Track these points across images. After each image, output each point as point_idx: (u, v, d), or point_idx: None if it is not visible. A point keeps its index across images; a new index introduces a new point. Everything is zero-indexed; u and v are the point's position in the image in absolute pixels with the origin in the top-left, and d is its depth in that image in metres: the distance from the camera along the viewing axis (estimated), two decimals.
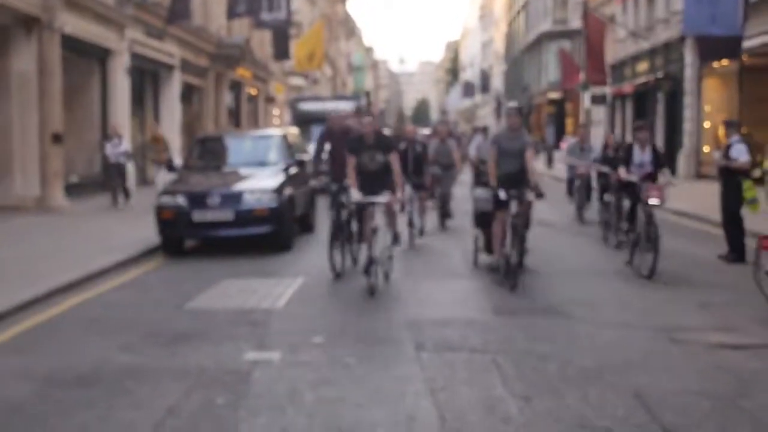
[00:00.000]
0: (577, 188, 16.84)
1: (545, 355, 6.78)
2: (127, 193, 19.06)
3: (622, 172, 11.06)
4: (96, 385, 6.12)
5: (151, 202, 17.02)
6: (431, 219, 15.45)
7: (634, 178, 10.84)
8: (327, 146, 12.48)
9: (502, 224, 9.83)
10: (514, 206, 9.64)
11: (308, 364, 6.58)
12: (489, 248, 10.72)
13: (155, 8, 25.06)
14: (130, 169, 19.62)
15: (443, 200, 15.59)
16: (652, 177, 10.92)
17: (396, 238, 10.49)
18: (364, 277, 9.46)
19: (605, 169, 14.19)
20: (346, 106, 27.40)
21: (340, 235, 10.60)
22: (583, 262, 11.84)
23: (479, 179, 19.71)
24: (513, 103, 10.44)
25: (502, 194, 9.62)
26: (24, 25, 18.13)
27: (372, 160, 9.80)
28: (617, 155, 13.65)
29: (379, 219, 10.11)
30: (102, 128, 21.92)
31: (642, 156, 11.09)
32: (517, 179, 9.94)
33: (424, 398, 5.74)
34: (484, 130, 22.34)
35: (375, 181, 9.75)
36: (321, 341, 7.32)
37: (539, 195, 9.71)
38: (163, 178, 17.78)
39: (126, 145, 19.09)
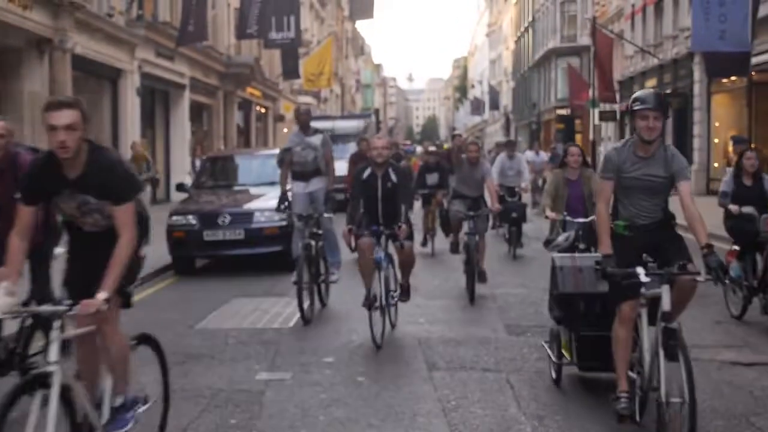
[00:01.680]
0: None
1: None
2: None
3: None
4: None
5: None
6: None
7: None
8: None
9: (631, 323, 5.36)
10: (665, 295, 5.03)
11: (320, 384, 6.59)
12: (587, 362, 6.24)
13: (165, 28, 25.24)
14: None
15: (472, 256, 10.17)
16: None
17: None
18: None
19: (750, 209, 8.77)
20: (355, 125, 27.51)
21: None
22: None
23: (505, 216, 13.96)
24: (646, 92, 5.46)
25: (643, 274, 5.05)
26: (36, 46, 18.27)
27: (82, 211, 4.58)
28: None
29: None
30: (113, 148, 22.00)
31: None
32: (658, 237, 5.47)
33: (437, 418, 5.74)
34: (509, 145, 16.68)
35: (98, 257, 4.46)
36: (332, 360, 7.33)
37: (721, 272, 5.01)
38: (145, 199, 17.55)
39: None
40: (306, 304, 8.99)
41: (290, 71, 35.22)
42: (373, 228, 8.16)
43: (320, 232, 9.91)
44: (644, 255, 5.45)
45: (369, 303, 7.87)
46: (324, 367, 7.10)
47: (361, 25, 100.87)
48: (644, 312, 5.24)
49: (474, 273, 10.10)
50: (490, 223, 12.15)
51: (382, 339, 7.82)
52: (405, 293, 8.76)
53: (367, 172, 8.39)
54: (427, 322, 8.98)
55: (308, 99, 48.86)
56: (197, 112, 31.19)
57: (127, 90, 23.33)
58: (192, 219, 12.55)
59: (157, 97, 26.98)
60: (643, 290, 5.14)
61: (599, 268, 5.22)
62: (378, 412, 5.89)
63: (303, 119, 10.67)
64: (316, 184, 10.57)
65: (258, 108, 39.99)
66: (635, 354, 5.42)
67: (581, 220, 8.87)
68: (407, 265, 8.65)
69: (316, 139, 10.53)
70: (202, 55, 29.23)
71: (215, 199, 13.43)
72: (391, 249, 8.44)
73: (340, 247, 10.10)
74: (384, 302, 8.05)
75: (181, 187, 14.32)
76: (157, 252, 13.28)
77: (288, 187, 10.52)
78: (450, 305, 9.92)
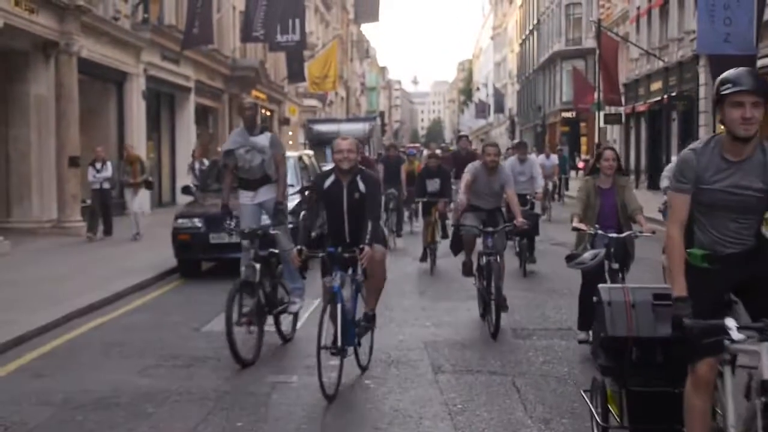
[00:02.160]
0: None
1: (564, 377, 6.76)
2: (107, 224, 17.48)
3: None
4: (115, 408, 6.13)
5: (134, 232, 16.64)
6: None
7: None
8: None
9: (710, 389, 3.99)
10: (765, 358, 3.61)
11: (326, 387, 6.57)
12: (644, 425, 4.60)
13: (171, 31, 25.30)
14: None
15: (497, 282, 8.45)
16: None
17: None
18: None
19: None
20: (361, 127, 27.56)
21: None
22: None
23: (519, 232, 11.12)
24: (739, 71, 4.08)
25: (735, 329, 3.63)
26: (42, 49, 18.32)
27: None
28: None
29: None
30: (118, 151, 22.05)
31: None
32: (750, 272, 4.09)
33: (443, 421, 5.74)
34: (520, 147, 14.42)
35: None
36: (338, 363, 7.30)
37: None
38: (138, 203, 17.27)
39: (110, 170, 17.55)
40: (247, 342, 7.43)
41: (295, 74, 35.26)
42: (330, 251, 6.68)
43: (276, 251, 8.43)
44: (727, 294, 4.09)
45: (339, 352, 6.45)
46: (330, 370, 7.07)
47: (366, 28, 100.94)
48: (728, 371, 3.83)
49: (492, 301, 8.40)
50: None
51: (337, 388, 6.39)
52: (369, 320, 7.08)
53: (329, 180, 6.88)
54: (432, 324, 8.98)
55: (313, 102, 49.01)
56: (202, 115, 31.26)
57: (133, 93, 23.39)
58: (198, 222, 12.57)
59: (162, 101, 27.05)
60: (727, 343, 3.69)
61: (673, 315, 3.84)
62: (384, 415, 5.89)
63: (247, 114, 8.68)
64: (266, 194, 8.79)
65: (263, 111, 40.05)
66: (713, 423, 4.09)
67: (613, 234, 7.57)
68: (375, 286, 7.02)
69: (263, 139, 8.60)
70: (208, 59, 29.29)
71: (221, 202, 13.40)
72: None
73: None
74: (339, 343, 6.40)
75: (186, 190, 14.33)
76: (162, 255, 13.33)
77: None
78: (456, 308, 9.90)
